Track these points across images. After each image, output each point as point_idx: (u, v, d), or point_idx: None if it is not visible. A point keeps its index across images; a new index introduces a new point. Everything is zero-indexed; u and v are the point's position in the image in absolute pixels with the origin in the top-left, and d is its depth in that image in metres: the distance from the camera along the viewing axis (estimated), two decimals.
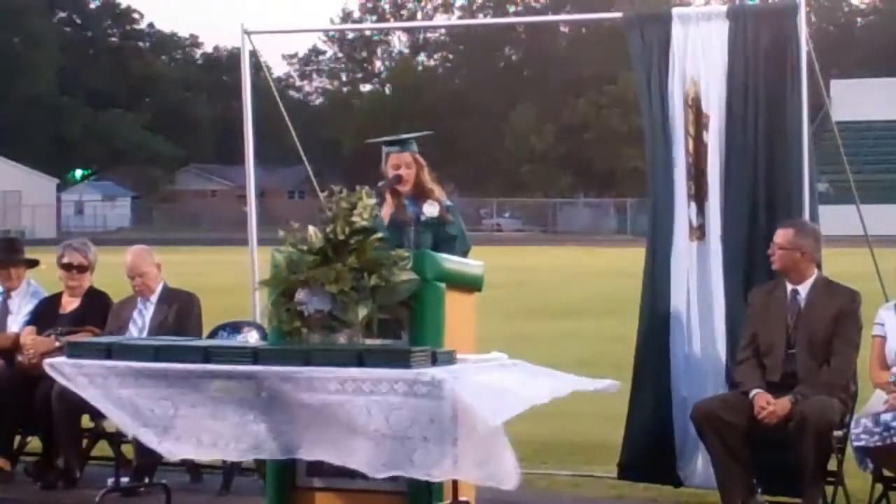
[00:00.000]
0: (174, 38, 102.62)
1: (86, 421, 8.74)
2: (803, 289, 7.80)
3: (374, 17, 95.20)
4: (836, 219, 12.23)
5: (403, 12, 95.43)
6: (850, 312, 7.71)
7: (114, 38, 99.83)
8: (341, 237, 6.75)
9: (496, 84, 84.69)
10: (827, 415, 7.40)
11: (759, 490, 7.78)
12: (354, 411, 6.36)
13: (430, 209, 7.68)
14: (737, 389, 7.79)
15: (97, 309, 9.19)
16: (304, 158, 10.17)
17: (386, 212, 7.65)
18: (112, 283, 9.73)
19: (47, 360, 7.13)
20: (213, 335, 8.78)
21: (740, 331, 8.01)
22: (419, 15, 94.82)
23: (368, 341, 6.73)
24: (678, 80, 8.45)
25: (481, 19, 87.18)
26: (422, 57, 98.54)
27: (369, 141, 8.21)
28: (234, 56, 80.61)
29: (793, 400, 7.48)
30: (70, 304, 9.33)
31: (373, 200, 6.96)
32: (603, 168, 78.15)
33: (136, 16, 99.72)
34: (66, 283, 9.35)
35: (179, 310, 8.87)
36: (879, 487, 7.61)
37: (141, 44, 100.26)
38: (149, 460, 8.34)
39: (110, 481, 8.38)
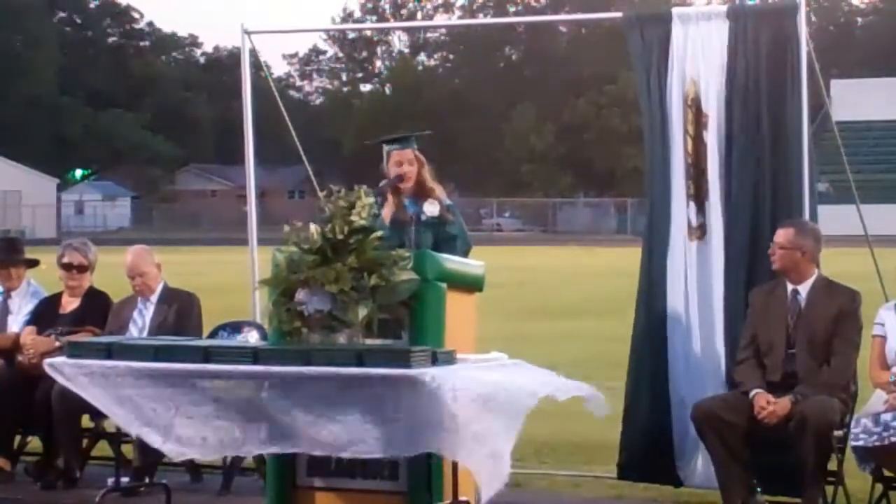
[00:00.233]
0: (174, 38, 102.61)
1: (86, 421, 8.74)
2: (803, 289, 7.80)
3: (375, 17, 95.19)
4: (836, 219, 12.22)
5: (403, 12, 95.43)
6: (850, 312, 7.70)
7: (114, 38, 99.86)
8: (340, 237, 6.76)
9: (496, 84, 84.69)
10: (827, 415, 7.40)
11: (759, 490, 7.78)
12: (354, 411, 6.37)
13: (431, 208, 7.68)
14: (737, 389, 7.79)
15: (97, 309, 9.19)
16: (304, 158, 10.17)
17: (387, 211, 7.66)
18: (112, 283, 9.72)
19: (47, 360, 7.14)
20: (213, 335, 8.78)
21: (740, 331, 8.01)
22: (419, 15, 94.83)
23: (368, 341, 6.73)
24: (678, 80, 8.45)
25: (481, 19, 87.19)
26: (422, 57, 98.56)
27: (370, 142, 8.21)
28: (234, 56, 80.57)
29: (793, 400, 7.48)
30: (70, 304, 9.33)
31: (371, 199, 6.96)
32: (603, 168, 78.16)
33: (136, 16, 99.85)
34: (66, 283, 9.35)
35: (179, 310, 8.87)
36: (879, 487, 7.61)
37: (141, 44, 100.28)
38: (149, 460, 8.35)
39: (110, 481, 8.38)
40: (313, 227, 6.84)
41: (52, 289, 9.56)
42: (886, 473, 7.54)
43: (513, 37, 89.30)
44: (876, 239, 8.90)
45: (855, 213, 8.62)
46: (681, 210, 8.44)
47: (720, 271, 8.33)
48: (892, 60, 76.59)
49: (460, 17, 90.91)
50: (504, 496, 6.41)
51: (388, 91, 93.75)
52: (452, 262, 7.17)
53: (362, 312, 6.65)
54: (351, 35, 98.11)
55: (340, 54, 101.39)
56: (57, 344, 8.80)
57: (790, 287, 7.83)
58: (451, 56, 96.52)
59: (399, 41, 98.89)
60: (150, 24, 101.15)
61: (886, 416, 7.30)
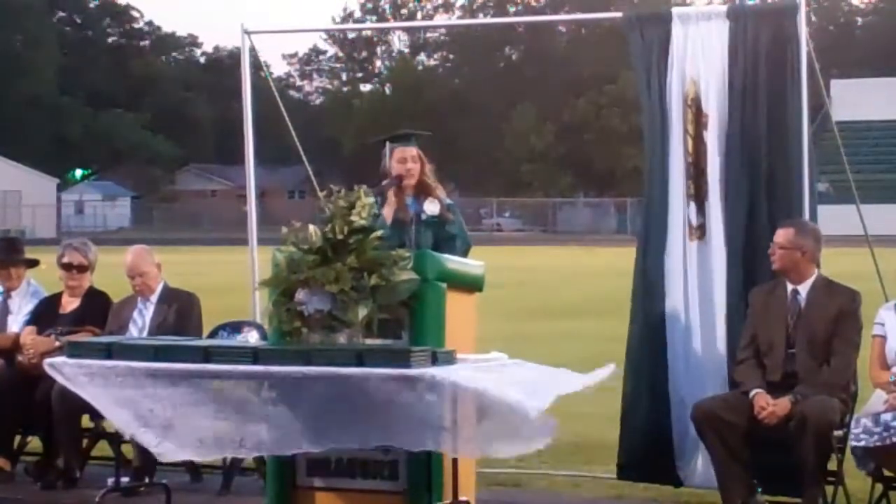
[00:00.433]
0: (174, 38, 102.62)
1: (86, 421, 8.74)
2: (803, 289, 7.80)
3: (374, 17, 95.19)
4: (836, 219, 12.23)
5: (403, 12, 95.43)
6: (850, 312, 7.70)
7: (114, 38, 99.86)
8: (339, 237, 6.76)
9: (496, 84, 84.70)
10: (827, 415, 7.39)
11: (759, 490, 7.78)
12: (354, 410, 6.37)
13: (432, 207, 7.68)
14: (737, 389, 7.79)
15: (97, 309, 9.19)
16: (304, 158, 10.17)
17: (388, 211, 7.66)
18: (112, 283, 9.72)
19: (47, 360, 7.13)
20: (213, 335, 8.78)
21: (740, 331, 8.01)
22: (419, 15, 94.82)
23: (368, 341, 6.73)
24: (678, 80, 8.45)
25: (481, 19, 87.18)
26: (422, 57, 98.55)
27: (373, 140, 8.21)
28: (234, 56, 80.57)
29: (793, 400, 7.47)
30: (70, 303, 9.33)
31: (371, 199, 6.96)
32: (603, 168, 78.16)
33: (136, 15, 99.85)
34: (66, 282, 9.35)
35: (179, 310, 8.87)
36: (879, 487, 7.61)
37: (141, 43, 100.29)
38: (149, 460, 8.34)
39: (110, 481, 8.38)
40: (312, 228, 6.84)
41: (52, 289, 9.56)
42: (886, 473, 7.54)
43: (513, 37, 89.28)
44: (876, 239, 8.90)
45: (855, 213, 8.62)
46: (680, 210, 8.44)
47: (720, 271, 8.33)
48: (892, 60, 76.59)
49: (460, 17, 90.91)
50: (504, 496, 6.42)
51: (388, 91, 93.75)
52: (452, 262, 7.17)
53: (362, 312, 6.65)
54: (351, 35, 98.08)
55: (340, 54, 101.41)
56: (57, 344, 8.80)
57: (790, 287, 7.83)
58: (451, 56, 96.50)
59: (399, 41, 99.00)
60: (150, 23, 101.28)
61: (886, 416, 7.30)
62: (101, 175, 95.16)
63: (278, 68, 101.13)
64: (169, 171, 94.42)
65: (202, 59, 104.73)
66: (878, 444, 7.28)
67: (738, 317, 8.12)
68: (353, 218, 6.80)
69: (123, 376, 6.79)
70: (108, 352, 6.92)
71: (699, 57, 8.40)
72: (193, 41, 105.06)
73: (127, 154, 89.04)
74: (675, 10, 8.63)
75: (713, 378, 8.28)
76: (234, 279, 14.96)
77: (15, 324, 9.40)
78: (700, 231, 8.41)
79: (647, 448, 8.39)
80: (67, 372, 6.95)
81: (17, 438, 9.28)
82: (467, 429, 6.32)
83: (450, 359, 6.56)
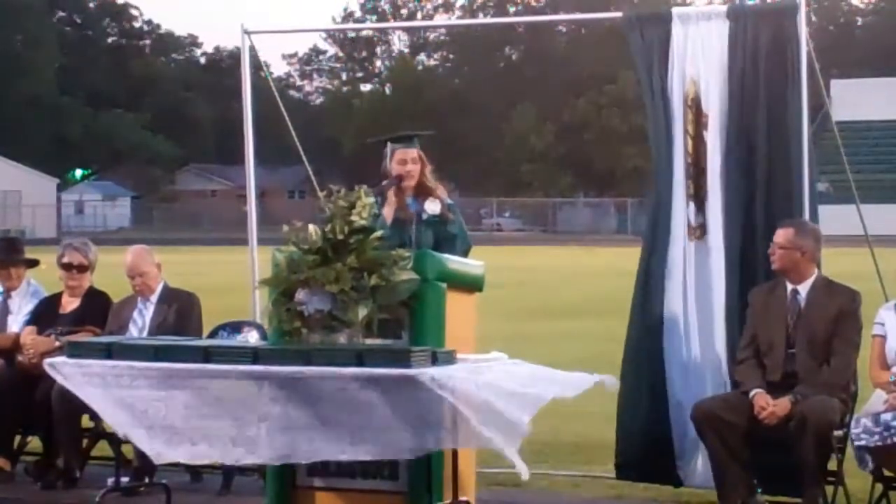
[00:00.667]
0: (174, 38, 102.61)
1: (86, 421, 8.74)
2: (803, 289, 7.80)
3: (374, 17, 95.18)
4: (836, 219, 12.23)
5: (403, 12, 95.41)
6: (850, 312, 7.70)
7: (114, 38, 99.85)
8: (340, 237, 6.76)
9: (496, 84, 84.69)
10: (827, 415, 7.39)
11: (759, 490, 7.78)
12: (354, 411, 6.37)
13: (432, 206, 7.68)
14: (737, 389, 7.79)
15: (97, 309, 9.19)
16: (304, 158, 10.17)
17: (388, 211, 7.66)
18: (112, 283, 9.72)
19: (47, 360, 7.14)
20: (213, 335, 8.78)
21: (740, 331, 8.01)
22: (419, 15, 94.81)
23: (368, 341, 6.73)
24: (678, 80, 8.45)
25: (481, 19, 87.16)
26: (422, 57, 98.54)
27: (373, 139, 8.21)
28: (234, 56, 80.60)
29: (793, 400, 7.47)
30: (70, 303, 9.32)
31: (371, 199, 6.96)
32: (603, 168, 78.16)
33: (136, 15, 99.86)
34: (66, 282, 9.35)
35: (179, 310, 8.87)
36: (879, 487, 7.61)
37: (141, 44, 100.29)
38: (149, 460, 8.34)
39: (110, 481, 8.38)
40: (312, 228, 6.84)
41: (52, 289, 9.56)
42: (886, 473, 7.54)
43: (513, 37, 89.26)
44: (876, 239, 8.90)
45: (855, 213, 8.61)
46: (681, 210, 8.44)
47: (720, 271, 8.33)
48: (892, 60, 76.59)
49: (460, 17, 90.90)
50: (504, 496, 6.42)
51: (388, 91, 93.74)
52: (452, 261, 7.17)
53: (362, 312, 6.65)
54: (351, 35, 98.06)
55: (340, 54, 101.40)
56: (57, 344, 8.80)
57: (790, 287, 7.83)
58: (451, 56, 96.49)
59: (399, 41, 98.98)
60: (151, 23, 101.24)
61: (886, 416, 7.30)
62: (101, 175, 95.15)
63: (278, 68, 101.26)
64: (169, 171, 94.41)
65: (202, 59, 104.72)
66: (878, 443, 7.28)
67: (738, 317, 8.12)
68: (353, 218, 6.80)
69: (121, 376, 6.79)
70: (108, 352, 6.92)
71: (699, 57, 8.40)
72: (193, 41, 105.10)
73: (127, 154, 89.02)
74: (675, 10, 8.63)
75: (713, 378, 8.28)
76: (234, 279, 14.96)
77: (15, 324, 9.40)
78: (699, 231, 8.41)
79: (646, 448, 8.39)
80: (67, 372, 6.96)
81: (17, 438, 9.28)
82: (466, 428, 6.31)
83: (450, 359, 6.56)
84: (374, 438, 6.37)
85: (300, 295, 6.75)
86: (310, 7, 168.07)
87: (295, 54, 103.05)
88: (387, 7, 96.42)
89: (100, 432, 8.86)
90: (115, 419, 6.93)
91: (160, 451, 6.78)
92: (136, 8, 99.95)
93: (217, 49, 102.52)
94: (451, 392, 6.23)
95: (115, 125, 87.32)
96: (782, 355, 7.73)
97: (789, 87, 8.17)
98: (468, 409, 6.24)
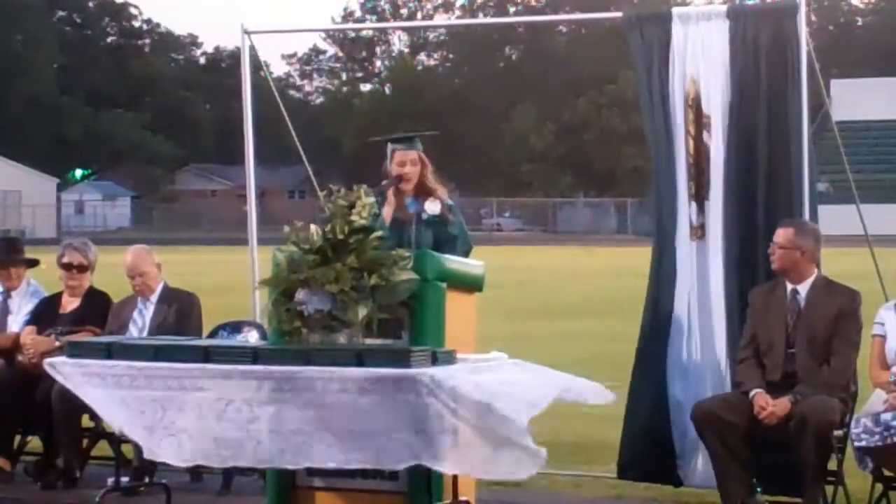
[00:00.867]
0: (174, 38, 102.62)
1: (86, 421, 8.74)
2: (803, 288, 7.80)
3: (374, 17, 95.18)
4: (836, 219, 12.23)
5: (403, 12, 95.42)
6: (850, 312, 7.70)
7: (114, 38, 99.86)
8: (340, 236, 6.76)
9: (496, 84, 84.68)
10: (827, 415, 7.39)
11: (759, 490, 7.78)
12: (354, 411, 6.37)
13: (433, 206, 7.67)
14: (737, 389, 7.79)
15: (97, 309, 9.19)
16: (304, 158, 10.18)
17: (388, 211, 7.66)
18: (112, 283, 9.72)
19: (47, 360, 7.14)
20: (213, 335, 8.78)
21: (740, 331, 8.01)
22: (419, 15, 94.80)
23: (368, 341, 6.73)
24: (678, 80, 8.45)
25: (481, 19, 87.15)
26: (422, 57, 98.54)
27: (374, 139, 8.21)
28: (234, 56, 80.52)
29: (793, 400, 7.47)
30: (70, 303, 9.32)
31: (371, 199, 6.96)
32: (603, 168, 78.16)
33: (136, 14, 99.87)
34: (66, 282, 9.35)
35: (179, 310, 8.87)
36: (879, 487, 7.61)
37: (141, 43, 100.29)
38: (149, 460, 8.34)
39: (110, 481, 8.38)
40: (313, 228, 6.84)
41: (52, 289, 9.56)
42: (886, 473, 7.54)
43: (513, 37, 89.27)
44: (876, 239, 8.90)
45: (855, 213, 8.61)
46: (684, 210, 8.44)
47: (719, 271, 8.33)
48: (892, 60, 76.58)
49: (460, 17, 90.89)
50: (504, 496, 6.41)
51: (388, 91, 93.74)
52: (452, 261, 7.17)
53: (362, 312, 6.65)
54: (351, 35, 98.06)
55: (340, 54, 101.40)
56: (57, 344, 8.80)
57: (790, 287, 7.83)
58: (451, 56, 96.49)
59: (399, 41, 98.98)
60: (151, 23, 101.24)
61: (886, 416, 7.30)
62: (101, 175, 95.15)
63: (278, 68, 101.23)
64: (169, 171, 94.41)
65: (202, 59, 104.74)
66: (878, 443, 7.28)
67: (738, 317, 8.12)
68: (353, 218, 6.80)
69: (120, 377, 6.79)
70: (108, 352, 6.93)
71: (699, 57, 8.40)
72: (193, 41, 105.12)
73: (127, 154, 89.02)
74: (675, 10, 8.62)
75: (713, 378, 8.28)
76: (234, 279, 14.95)
77: (15, 324, 9.40)
78: (700, 231, 8.41)
79: (647, 448, 8.39)
80: (67, 372, 6.96)
81: (17, 438, 9.28)
82: (466, 436, 6.30)
83: (450, 359, 6.56)
84: (371, 446, 6.36)
85: (300, 295, 6.75)
86: (310, 7, 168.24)
87: (295, 54, 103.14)
88: (387, 7, 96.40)
89: (100, 432, 8.86)
90: (115, 419, 6.93)
91: (158, 452, 6.78)
92: (136, 7, 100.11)
93: (217, 49, 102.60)
94: (451, 393, 6.22)
95: (115, 125, 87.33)
96: (782, 355, 7.73)
97: (789, 87, 8.17)
98: (467, 420, 6.24)
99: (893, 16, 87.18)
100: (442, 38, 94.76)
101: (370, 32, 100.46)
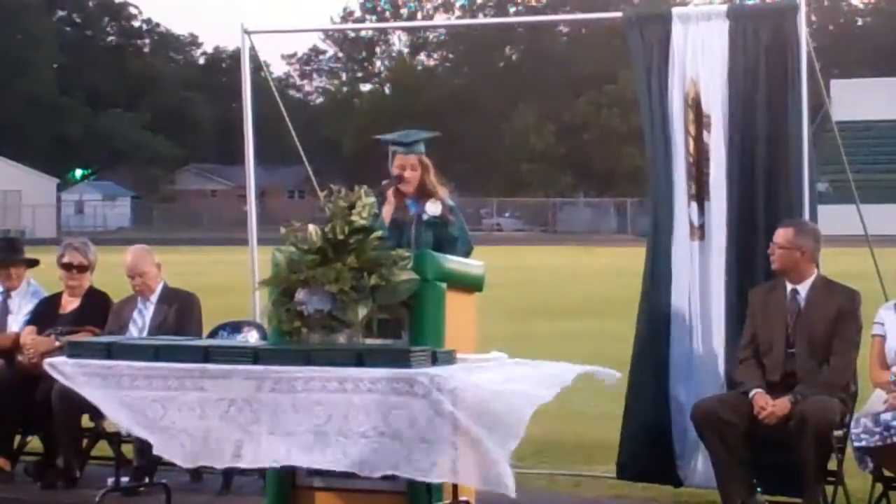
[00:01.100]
0: (174, 38, 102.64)
1: (86, 421, 8.74)
2: (803, 288, 7.80)
3: (374, 17, 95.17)
4: (836, 219, 12.22)
5: (403, 12, 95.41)
6: (849, 312, 7.70)
7: (113, 38, 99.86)
8: (340, 237, 6.76)
9: (496, 84, 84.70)
10: (827, 415, 7.39)
11: (759, 490, 7.78)
12: (354, 411, 6.37)
13: (433, 207, 7.66)
14: (737, 389, 7.79)
15: (97, 309, 9.19)
16: (304, 158, 10.18)
17: (387, 211, 7.65)
18: (112, 283, 9.73)
19: (47, 360, 7.14)
20: (213, 335, 8.78)
21: (740, 331, 8.00)
22: (419, 15, 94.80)
23: (368, 341, 6.73)
24: (678, 80, 8.45)
25: (481, 19, 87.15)
26: (422, 57, 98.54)
27: (377, 137, 8.20)
28: (234, 56, 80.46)
29: (793, 400, 7.47)
30: (70, 303, 9.32)
31: (371, 199, 6.96)
32: (603, 168, 78.16)
33: (135, 14, 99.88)
34: (66, 282, 9.35)
35: (179, 310, 8.87)
36: (879, 487, 7.61)
37: (141, 43, 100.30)
38: (149, 460, 8.34)
39: (110, 481, 8.38)
40: (312, 228, 6.84)
41: (52, 289, 9.56)
42: (886, 473, 7.54)
43: (513, 37, 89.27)
44: (876, 239, 8.90)
45: (855, 213, 8.61)
46: (683, 210, 8.44)
47: (720, 271, 8.33)
48: (892, 60, 76.60)
49: (460, 17, 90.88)
50: (504, 496, 6.41)
51: (387, 91, 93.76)
52: (452, 262, 7.17)
53: (362, 312, 6.65)
54: (350, 35, 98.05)
55: (340, 54, 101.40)
56: (57, 344, 8.80)
57: (790, 287, 7.83)
58: (450, 56, 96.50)
59: (399, 41, 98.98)
60: (151, 23, 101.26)
61: (886, 416, 7.30)
62: (101, 175, 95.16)
63: (278, 68, 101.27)
64: (169, 171, 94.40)
65: (202, 59, 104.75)
66: (878, 443, 7.28)
67: (738, 317, 8.12)
68: (353, 218, 6.80)
69: (121, 376, 6.79)
70: (108, 352, 6.93)
71: (699, 57, 8.40)
72: (193, 41, 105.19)
73: (127, 154, 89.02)
74: (675, 10, 8.62)
75: (713, 378, 8.28)
76: (234, 279, 14.96)
77: (15, 324, 9.40)
78: (701, 231, 8.41)
79: (647, 448, 8.39)
80: (68, 371, 6.95)
81: (17, 438, 9.28)
82: (466, 434, 6.29)
83: (450, 359, 6.56)
84: (371, 447, 6.35)
85: (300, 295, 6.75)
86: (310, 7, 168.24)
87: (295, 54, 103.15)
88: (387, 7, 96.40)
89: (100, 432, 8.85)
90: (122, 418, 6.92)
91: (158, 451, 6.78)
92: (136, 7, 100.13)
93: (217, 49, 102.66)
94: (451, 393, 6.22)
95: (115, 125, 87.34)
96: (782, 355, 7.73)
97: (789, 87, 8.17)
98: (467, 420, 6.23)
99: (893, 16, 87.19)
100: (442, 38, 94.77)
101: (370, 32, 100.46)
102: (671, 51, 8.46)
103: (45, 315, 9.27)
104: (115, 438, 8.33)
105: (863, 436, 7.30)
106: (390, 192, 7.69)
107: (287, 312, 6.79)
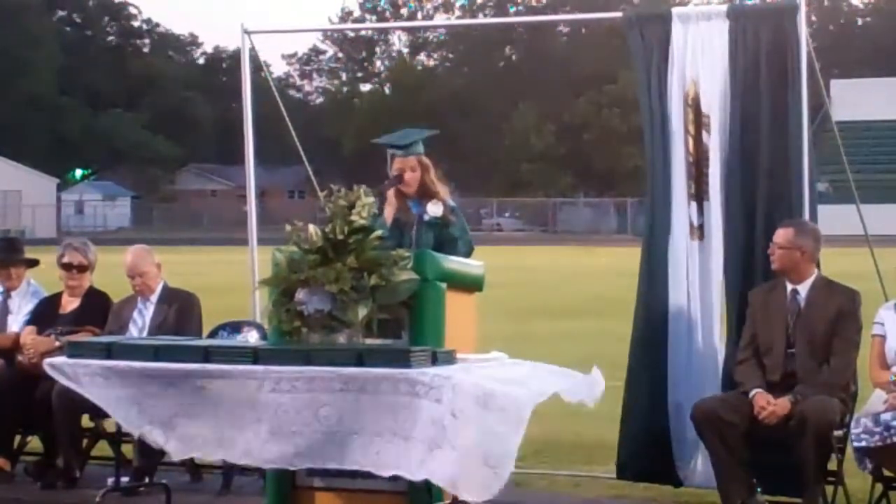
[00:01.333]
0: (174, 38, 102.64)
1: (86, 421, 8.74)
2: (803, 288, 7.80)
3: (374, 17, 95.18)
4: (836, 219, 12.22)
5: (403, 12, 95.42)
6: (849, 312, 7.70)
7: (113, 38, 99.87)
8: (340, 236, 6.76)
9: (496, 84, 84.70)
10: (827, 415, 7.39)
11: (759, 490, 7.78)
12: (354, 411, 6.37)
13: (434, 209, 7.66)
14: (737, 389, 7.79)
15: (97, 309, 9.19)
16: (304, 158, 10.18)
17: (389, 212, 7.65)
18: (112, 283, 9.73)
19: (47, 360, 7.14)
20: (213, 335, 8.78)
21: (739, 331, 8.00)
22: (419, 15, 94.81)
23: (368, 341, 6.73)
24: (678, 80, 8.44)
25: (481, 19, 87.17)
26: (422, 57, 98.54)
27: (374, 141, 8.20)
28: (234, 56, 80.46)
29: (793, 400, 7.47)
30: (70, 303, 9.32)
31: (371, 199, 6.95)
32: (603, 168, 78.17)
33: (135, 14, 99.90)
34: (66, 282, 9.35)
35: (179, 310, 8.87)
36: (879, 487, 7.61)
37: (141, 43, 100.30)
38: (149, 460, 8.35)
39: (110, 481, 8.39)
40: (312, 228, 6.84)
41: (52, 289, 9.56)
42: (886, 473, 7.54)
43: (513, 37, 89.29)
44: (876, 239, 8.90)
45: (855, 213, 8.61)
46: (682, 210, 8.44)
47: (719, 271, 8.33)
48: (892, 60, 76.61)
49: (460, 17, 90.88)
50: (504, 496, 6.41)
51: (387, 91, 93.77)
52: (452, 262, 7.17)
53: (362, 312, 6.65)
54: (350, 35, 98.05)
55: (340, 54, 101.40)
56: (57, 344, 8.80)
57: (790, 287, 7.83)
58: (450, 56, 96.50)
59: (399, 41, 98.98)
60: (151, 23, 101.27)
61: (886, 416, 7.30)
62: (101, 175, 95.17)
63: (278, 68, 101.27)
64: (169, 171, 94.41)
65: (202, 59, 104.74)
66: (878, 444, 7.28)
67: (737, 317, 8.12)
68: (353, 218, 6.80)
69: (124, 376, 6.80)
70: (108, 352, 6.93)
71: (699, 57, 8.40)
72: (193, 41, 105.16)
73: (127, 154, 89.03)
74: (675, 10, 8.62)
75: (712, 378, 8.28)
76: (234, 279, 14.96)
77: (15, 324, 9.40)
78: (701, 231, 8.41)
79: (647, 448, 8.39)
80: (68, 372, 6.96)
81: (17, 438, 9.28)
82: (466, 434, 6.29)
83: (450, 359, 6.56)
84: (371, 447, 6.35)
85: (300, 295, 6.75)
86: (310, 7, 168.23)
87: (295, 54, 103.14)
88: (387, 7, 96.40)
89: (100, 432, 8.86)
90: (126, 419, 6.93)
91: (176, 448, 6.79)
92: (136, 7, 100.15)
93: (217, 49, 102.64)
94: (450, 393, 6.22)
95: (114, 125, 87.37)
96: (782, 355, 7.73)
97: (789, 87, 8.17)
98: (467, 420, 6.23)
99: (893, 16, 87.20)
100: (442, 38, 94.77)
101: (370, 32, 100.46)
102: (671, 51, 8.46)
103: (45, 315, 9.27)
104: (115, 438, 8.33)
105: (863, 436, 7.30)
106: (391, 193, 7.68)
107: (287, 312, 6.79)
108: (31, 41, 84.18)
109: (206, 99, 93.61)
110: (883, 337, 7.74)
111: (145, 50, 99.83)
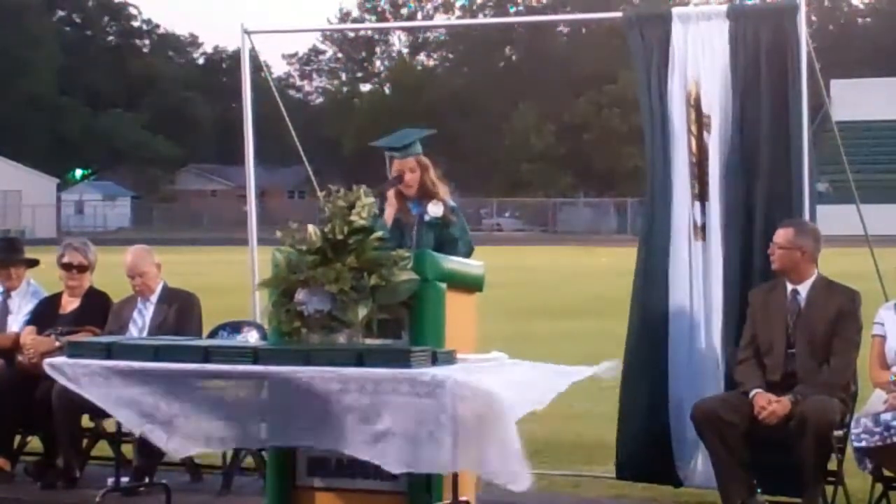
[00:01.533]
0: (174, 38, 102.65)
1: (86, 421, 8.74)
2: (803, 288, 7.80)
3: (374, 17, 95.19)
4: (836, 219, 12.23)
5: (403, 12, 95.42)
6: (849, 312, 7.70)
7: (113, 38, 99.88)
8: (339, 237, 6.76)
9: (496, 84, 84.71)
10: (827, 415, 7.39)
11: (759, 490, 7.78)
12: (354, 411, 6.37)
13: (435, 209, 7.66)
14: (737, 389, 7.79)
15: (97, 309, 9.19)
16: (304, 158, 10.18)
17: (389, 212, 7.65)
18: (112, 283, 9.73)
19: (47, 360, 7.14)
20: (213, 335, 8.78)
21: (739, 331, 8.00)
22: (419, 15, 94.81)
23: (368, 341, 6.73)
24: (678, 80, 8.44)
25: (481, 19, 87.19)
26: (422, 57, 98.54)
27: (371, 144, 8.20)
28: (234, 56, 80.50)
29: (793, 400, 7.47)
30: (70, 304, 9.32)
31: (371, 199, 6.95)
32: (603, 168, 78.18)
33: (135, 14, 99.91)
34: (66, 283, 9.35)
35: (179, 310, 8.87)
36: (879, 487, 7.61)
37: (141, 43, 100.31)
38: (149, 460, 8.35)
39: (110, 481, 8.38)
40: (311, 228, 6.84)
41: (52, 289, 9.56)
42: (886, 473, 7.54)
43: (513, 37, 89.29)
44: (876, 239, 8.90)
45: (855, 213, 8.61)
46: (684, 210, 8.44)
47: (719, 271, 8.33)
48: (892, 60, 76.61)
49: (460, 17, 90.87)
50: (504, 496, 6.41)
51: (387, 91, 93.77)
52: (452, 262, 7.17)
53: (362, 312, 6.65)
54: (350, 35, 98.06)
55: (340, 54, 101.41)
56: (57, 344, 8.80)
57: (790, 287, 7.83)
58: (450, 56, 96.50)
59: (399, 41, 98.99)
60: (151, 23, 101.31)
61: (886, 416, 7.30)
62: (101, 175, 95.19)
63: (278, 68, 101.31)
64: (169, 171, 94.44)
65: (202, 59, 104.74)
66: (878, 444, 7.27)
67: (737, 317, 8.12)
68: (353, 218, 6.80)
69: (125, 376, 6.80)
70: (108, 352, 6.93)
71: (699, 57, 8.40)
72: (193, 41, 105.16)
73: (127, 154, 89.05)
74: (675, 10, 8.62)
75: (712, 378, 8.28)
76: (234, 279, 14.97)
77: (15, 324, 9.40)
78: (703, 231, 8.40)
79: (646, 448, 8.38)
80: (68, 372, 6.96)
81: (17, 438, 9.28)
82: (466, 434, 6.30)
83: (450, 359, 6.56)
84: (371, 447, 6.36)
85: (300, 295, 6.75)
86: (309, 7, 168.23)
87: (295, 54, 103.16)
88: (386, 7, 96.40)
89: (100, 432, 8.86)
90: (127, 418, 6.94)
91: (178, 447, 6.80)
92: (136, 7, 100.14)
93: (217, 49, 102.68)
94: (450, 393, 6.22)
95: (114, 125, 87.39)
96: (782, 355, 7.73)
97: (789, 87, 8.17)
98: (467, 420, 6.24)
99: (893, 16, 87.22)
100: (442, 38, 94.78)
101: (370, 32, 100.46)
102: (671, 51, 8.45)
103: (45, 315, 9.27)
104: (115, 438, 8.32)
105: (863, 436, 7.30)
106: (392, 194, 7.68)
107: (287, 313, 6.79)
108: (31, 41, 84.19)
109: (206, 99, 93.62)
110: (883, 337, 7.74)
111: (145, 50, 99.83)
